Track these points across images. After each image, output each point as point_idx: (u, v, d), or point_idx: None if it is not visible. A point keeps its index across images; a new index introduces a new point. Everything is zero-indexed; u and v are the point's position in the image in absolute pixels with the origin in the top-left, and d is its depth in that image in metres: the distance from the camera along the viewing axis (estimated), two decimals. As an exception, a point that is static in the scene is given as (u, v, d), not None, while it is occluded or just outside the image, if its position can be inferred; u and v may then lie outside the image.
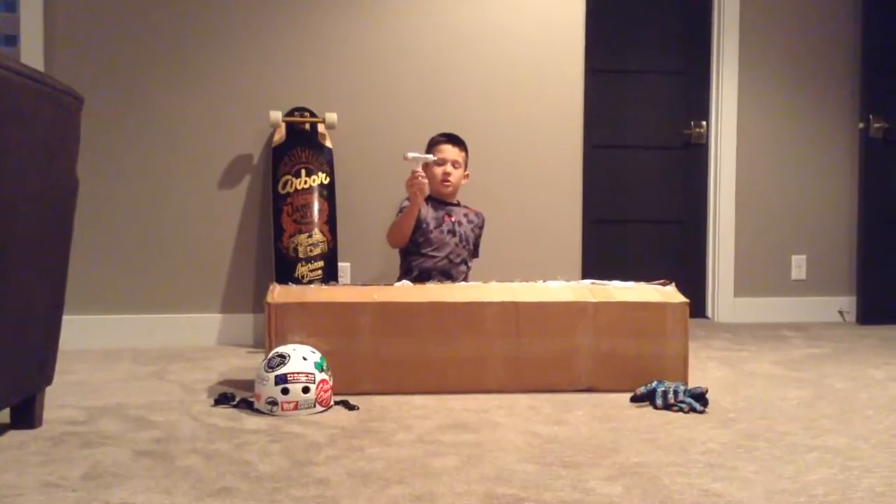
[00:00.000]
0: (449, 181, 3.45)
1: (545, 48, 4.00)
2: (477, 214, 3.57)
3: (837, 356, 3.52)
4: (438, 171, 3.44)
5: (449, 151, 3.46)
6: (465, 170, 3.53)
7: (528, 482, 1.85)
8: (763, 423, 2.38)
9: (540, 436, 2.23)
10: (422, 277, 3.31)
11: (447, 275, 3.38)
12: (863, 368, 3.24)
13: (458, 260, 3.43)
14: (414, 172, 3.25)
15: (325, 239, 3.69)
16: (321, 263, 3.66)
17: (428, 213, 3.42)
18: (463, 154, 3.50)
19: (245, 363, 3.29)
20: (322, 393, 2.49)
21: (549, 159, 4.02)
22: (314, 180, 3.72)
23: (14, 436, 2.19)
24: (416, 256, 3.40)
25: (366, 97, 3.90)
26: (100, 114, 3.64)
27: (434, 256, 3.39)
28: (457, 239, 3.43)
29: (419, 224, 3.39)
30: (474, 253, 3.55)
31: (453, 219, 3.46)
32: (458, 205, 3.55)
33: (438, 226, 3.42)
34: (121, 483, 1.83)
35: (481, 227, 3.57)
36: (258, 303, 3.70)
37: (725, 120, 4.61)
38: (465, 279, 3.44)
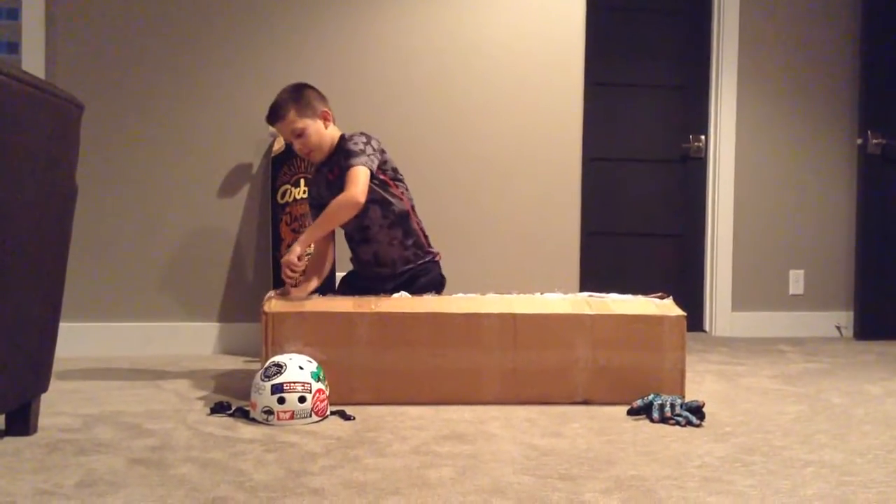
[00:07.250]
0: (308, 150, 3.02)
1: (545, 62, 4.01)
2: (343, 145, 3.00)
3: (834, 371, 3.52)
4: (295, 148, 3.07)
5: (279, 130, 3.05)
6: (315, 117, 2.98)
7: (523, 494, 1.84)
8: (760, 438, 2.37)
9: (536, 448, 2.23)
10: (357, 258, 3.13)
11: (368, 240, 3.05)
12: (860, 384, 3.24)
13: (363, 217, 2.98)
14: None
15: (323, 249, 3.68)
16: (319, 273, 3.66)
17: (320, 192, 3.07)
18: (290, 114, 2.95)
19: (242, 372, 3.28)
20: (318, 403, 2.48)
21: (548, 171, 4.02)
22: (313, 190, 3.72)
23: (8, 442, 2.19)
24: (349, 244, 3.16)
25: (365, 108, 3.90)
26: (100, 121, 3.65)
27: (346, 228, 3.08)
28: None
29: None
30: (350, 156, 2.91)
31: (332, 176, 3.03)
32: (337, 149, 3.02)
33: (320, 196, 3.06)
34: (115, 491, 1.82)
35: (349, 146, 2.94)
36: (256, 312, 3.69)
37: (724, 134, 4.62)
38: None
